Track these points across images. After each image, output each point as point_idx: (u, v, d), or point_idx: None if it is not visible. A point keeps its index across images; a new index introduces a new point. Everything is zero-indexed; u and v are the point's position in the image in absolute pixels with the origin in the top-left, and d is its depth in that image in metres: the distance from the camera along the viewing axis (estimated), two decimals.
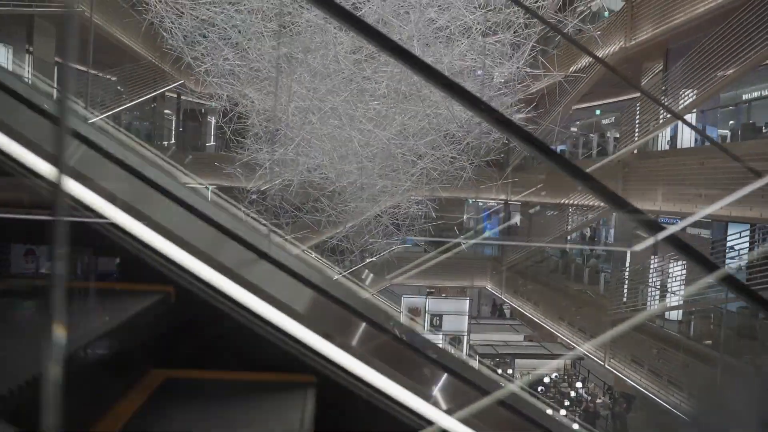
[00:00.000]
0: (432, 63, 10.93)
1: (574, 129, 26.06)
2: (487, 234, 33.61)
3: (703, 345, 14.76)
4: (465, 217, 34.75)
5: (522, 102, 16.40)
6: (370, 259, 26.49)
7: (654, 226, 1.99)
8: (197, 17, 11.49)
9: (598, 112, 25.16)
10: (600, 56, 17.57)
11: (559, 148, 25.43)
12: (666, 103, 15.48)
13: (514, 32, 12.96)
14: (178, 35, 11.56)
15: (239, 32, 11.92)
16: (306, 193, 15.81)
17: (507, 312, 28.58)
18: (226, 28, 11.55)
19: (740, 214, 12.40)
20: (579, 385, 17.97)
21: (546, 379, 18.13)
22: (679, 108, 14.91)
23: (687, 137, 16.63)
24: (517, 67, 12.81)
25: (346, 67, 11.09)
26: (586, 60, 18.07)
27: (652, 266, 16.39)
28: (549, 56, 16.00)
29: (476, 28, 12.22)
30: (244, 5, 11.11)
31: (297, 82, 12.14)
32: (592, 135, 22.34)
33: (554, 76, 14.46)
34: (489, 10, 12.39)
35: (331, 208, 14.49)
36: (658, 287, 15.91)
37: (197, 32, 11.91)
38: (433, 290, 31.60)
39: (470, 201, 30.47)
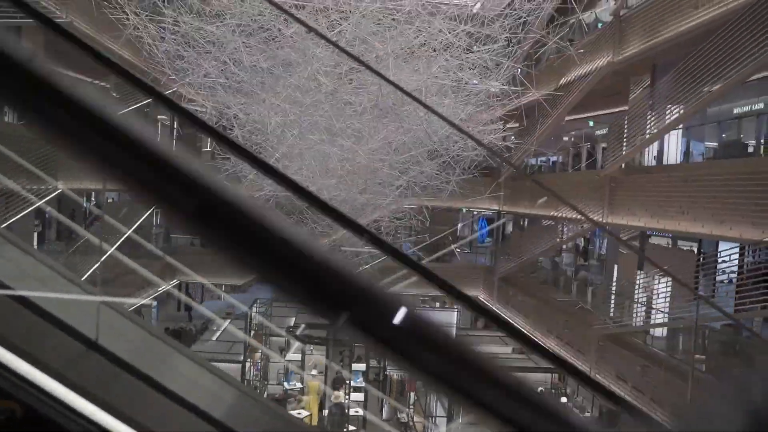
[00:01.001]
0: (408, 78, 10.92)
1: (566, 139, 26.02)
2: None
3: (686, 363, 14.70)
4: (459, 225, 34.75)
5: (507, 116, 16.40)
6: (364, 267, 26.43)
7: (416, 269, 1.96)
8: (177, 31, 11.54)
9: (591, 123, 25.13)
10: (587, 70, 17.56)
11: (551, 159, 25.45)
12: (652, 118, 15.45)
13: (507, 43, 12.99)
14: (158, 51, 11.62)
15: (222, 46, 11.95)
16: (292, 205, 15.84)
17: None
18: (204, 44, 11.58)
19: (721, 234, 12.34)
20: (564, 399, 17.88)
21: None
22: (666, 123, 14.88)
23: (673, 152, 16.59)
24: (498, 83, 12.81)
25: (324, 83, 11.10)
26: (572, 75, 18.07)
27: (637, 282, 16.35)
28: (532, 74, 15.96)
29: (457, 44, 12.22)
30: (222, 21, 11.16)
31: (277, 96, 12.16)
32: (581, 145, 22.30)
33: (542, 92, 14.48)
34: (473, 26, 12.40)
35: (313, 221, 14.53)
36: (643, 303, 15.87)
37: (178, 47, 11.95)
38: (426, 298, 31.58)
39: (464, 210, 30.48)
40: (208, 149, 31.76)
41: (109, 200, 30.08)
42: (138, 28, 11.22)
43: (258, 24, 11.53)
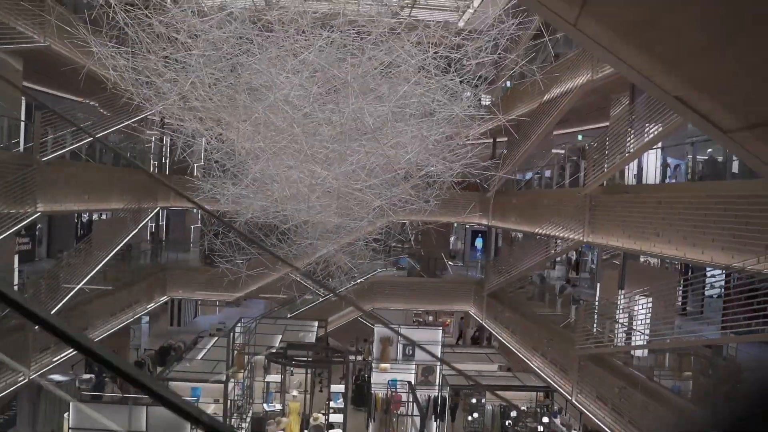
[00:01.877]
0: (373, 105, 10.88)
1: (555, 151, 25.91)
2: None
3: (664, 387, 14.57)
4: (452, 238, 34.68)
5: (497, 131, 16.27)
6: (357, 281, 26.44)
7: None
8: (143, 60, 11.57)
9: (580, 137, 25.03)
10: (567, 88, 17.50)
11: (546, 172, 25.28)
12: (632, 136, 15.35)
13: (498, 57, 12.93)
14: (122, 81, 11.67)
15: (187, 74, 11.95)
16: (271, 226, 15.85)
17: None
18: (175, 72, 11.60)
19: (694, 257, 12.21)
20: (546, 420, 17.74)
21: (513, 413, 17.92)
22: (644, 142, 14.78)
23: (651, 172, 16.47)
24: (469, 106, 12.77)
25: (286, 110, 11.09)
26: (554, 93, 17.99)
27: (619, 302, 16.21)
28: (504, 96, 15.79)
29: (426, 68, 12.18)
30: (188, 51, 11.17)
31: (248, 122, 12.15)
32: (571, 158, 22.17)
33: (508, 116, 14.43)
34: (444, 48, 12.37)
35: (287, 245, 14.54)
36: (625, 323, 15.73)
37: (148, 75, 11.97)
38: (419, 312, 31.50)
39: (456, 225, 30.41)
40: (201, 163, 31.93)
41: (103, 216, 30.23)
42: (102, 59, 11.26)
43: (224, 52, 11.55)
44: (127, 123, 20.98)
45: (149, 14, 11.30)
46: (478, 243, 33.42)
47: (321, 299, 25.35)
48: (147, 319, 28.06)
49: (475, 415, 19.24)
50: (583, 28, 2.71)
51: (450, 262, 30.43)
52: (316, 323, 23.08)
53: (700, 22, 2.43)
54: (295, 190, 12.42)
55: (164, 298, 25.84)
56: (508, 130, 21.12)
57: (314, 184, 11.88)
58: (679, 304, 18.80)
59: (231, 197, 13.40)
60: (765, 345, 15.22)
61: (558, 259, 28.11)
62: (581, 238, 16.70)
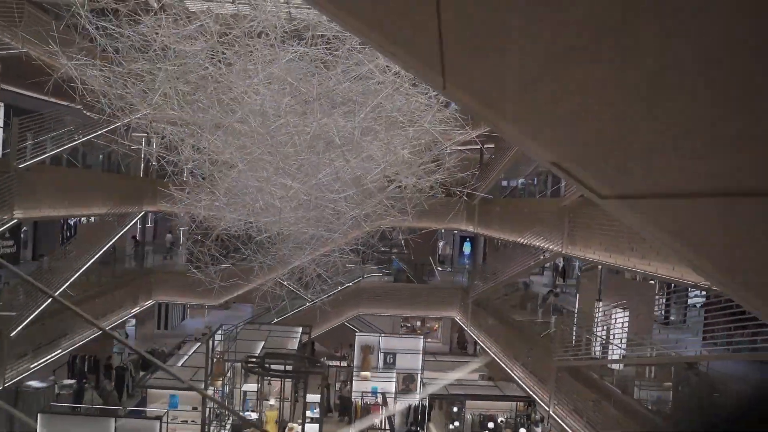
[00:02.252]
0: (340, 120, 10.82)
1: None
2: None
3: (638, 401, 14.55)
4: (441, 243, 34.62)
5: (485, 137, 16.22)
6: (343, 287, 26.32)
7: None
8: (113, 72, 11.51)
9: None
10: None
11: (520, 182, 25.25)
12: None
13: None
14: (96, 90, 11.62)
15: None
16: (248, 235, 15.78)
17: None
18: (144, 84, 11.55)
19: (665, 273, 12.19)
20: (523, 431, 17.72)
21: (490, 424, 17.90)
22: None
23: None
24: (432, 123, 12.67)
25: (254, 125, 11.02)
26: None
27: (597, 313, 16.18)
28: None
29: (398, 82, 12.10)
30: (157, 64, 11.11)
31: (216, 133, 12.08)
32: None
33: (478, 131, 14.36)
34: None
35: (263, 255, 14.48)
36: (602, 336, 15.70)
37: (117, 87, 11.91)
38: (406, 317, 31.44)
39: (443, 231, 30.30)
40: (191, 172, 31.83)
41: (92, 219, 30.14)
42: (71, 70, 11.20)
43: (193, 64, 11.48)
44: (102, 132, 20.85)
45: (119, 24, 11.24)
46: (466, 248, 33.34)
47: (306, 304, 25.26)
48: (134, 322, 27.99)
49: (456, 423, 19.22)
50: (452, 93, 2.66)
51: (438, 268, 30.38)
52: (300, 329, 23.04)
53: (554, 100, 2.39)
54: (264, 202, 12.34)
55: (150, 302, 25.78)
56: (496, 137, 21.05)
57: (285, 197, 11.80)
58: (660, 314, 18.78)
59: (205, 207, 13.35)
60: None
61: (546, 264, 28.06)
62: (560, 250, 16.65)
